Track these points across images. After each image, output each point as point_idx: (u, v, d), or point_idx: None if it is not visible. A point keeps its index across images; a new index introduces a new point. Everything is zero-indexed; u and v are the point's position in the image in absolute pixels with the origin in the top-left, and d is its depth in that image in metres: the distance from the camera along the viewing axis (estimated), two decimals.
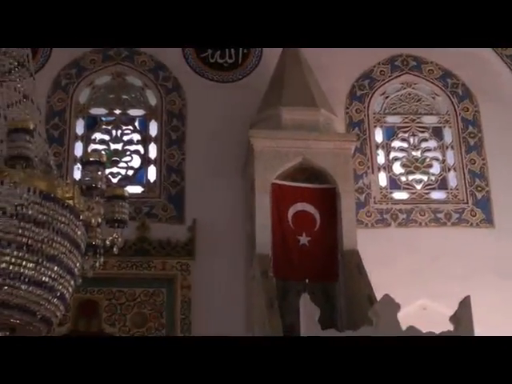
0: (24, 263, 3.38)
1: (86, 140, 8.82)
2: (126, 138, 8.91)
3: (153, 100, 9.01)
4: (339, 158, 8.09)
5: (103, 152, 8.35)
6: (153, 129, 8.94)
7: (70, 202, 3.56)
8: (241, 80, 9.14)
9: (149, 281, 8.04)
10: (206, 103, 8.83)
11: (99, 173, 3.55)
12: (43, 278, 3.46)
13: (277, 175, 7.97)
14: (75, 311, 7.37)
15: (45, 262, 3.45)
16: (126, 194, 3.95)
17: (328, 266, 7.79)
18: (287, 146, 7.95)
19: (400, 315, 5.65)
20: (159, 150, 8.78)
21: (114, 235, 3.81)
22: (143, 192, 8.58)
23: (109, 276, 7.36)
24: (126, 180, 8.61)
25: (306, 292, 6.02)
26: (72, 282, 3.70)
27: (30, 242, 3.39)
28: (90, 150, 8.72)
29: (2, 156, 3.34)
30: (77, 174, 8.45)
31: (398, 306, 5.63)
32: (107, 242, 3.84)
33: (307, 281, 7.12)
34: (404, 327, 5.52)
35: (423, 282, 7.98)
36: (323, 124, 8.28)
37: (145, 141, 8.90)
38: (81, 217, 3.65)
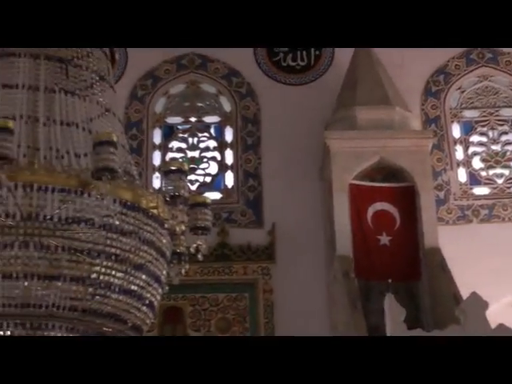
0: (113, 273, 3.44)
1: (164, 149, 8.95)
2: (202, 145, 9.01)
3: (227, 106, 9.08)
4: (417, 156, 8.00)
5: (180, 160, 8.45)
6: (228, 135, 9.01)
7: (155, 211, 3.61)
8: (314, 82, 9.13)
9: (231, 286, 8.11)
10: (279, 107, 8.85)
11: (181, 181, 3.60)
12: (132, 287, 3.52)
13: (354, 175, 7.94)
14: (160, 318, 7.48)
15: (133, 271, 3.51)
16: (208, 201, 3.99)
17: (410, 265, 7.72)
18: (364, 146, 7.91)
19: (487, 313, 5.55)
20: (235, 156, 8.85)
21: (198, 242, 3.85)
22: (221, 198, 8.66)
23: (191, 282, 7.44)
24: (205, 187, 8.71)
25: (389, 292, 5.97)
26: (159, 290, 3.76)
27: (117, 251, 3.45)
28: (167, 158, 8.87)
29: (88, 169, 3.42)
30: (156, 183, 8.61)
31: (486, 304, 5.52)
32: (191, 249, 3.88)
33: (390, 280, 7.05)
34: (493, 326, 5.42)
35: (509, 279, 7.80)
36: (399, 122, 8.21)
37: (221, 147, 8.98)
38: (165, 225, 3.70)
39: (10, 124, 3.22)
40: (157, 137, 9.01)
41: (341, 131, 8.07)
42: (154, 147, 8.93)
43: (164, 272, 3.78)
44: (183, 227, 3.75)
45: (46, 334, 3.43)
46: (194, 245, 3.84)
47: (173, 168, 3.65)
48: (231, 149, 8.93)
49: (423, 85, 9.10)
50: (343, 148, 7.93)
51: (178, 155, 8.92)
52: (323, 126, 8.28)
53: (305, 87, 9.10)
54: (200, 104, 9.14)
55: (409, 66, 8.81)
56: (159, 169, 8.79)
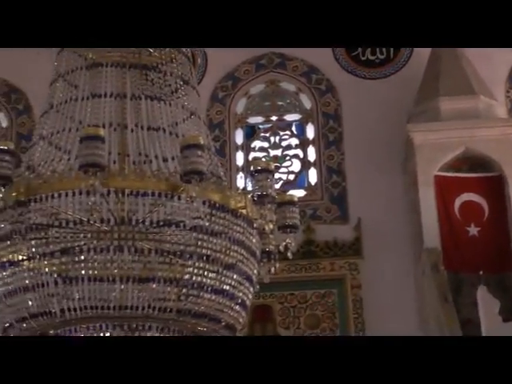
0: (205, 273, 3.49)
1: (246, 149, 9.02)
2: (284, 143, 9.05)
3: (308, 103, 9.09)
4: (504, 144, 7.85)
5: (263, 159, 8.50)
6: (310, 132, 9.02)
7: (243, 211, 3.65)
8: (393, 74, 9.05)
9: (318, 282, 8.12)
10: (360, 101, 8.80)
11: (269, 181, 3.63)
12: (224, 287, 3.57)
13: (439, 167, 7.84)
14: (250, 316, 7.53)
15: (224, 271, 3.55)
16: (296, 200, 4.00)
17: (501, 256, 7.57)
18: (448, 137, 7.80)
19: None
20: (318, 153, 8.85)
21: (287, 240, 3.87)
22: (305, 195, 8.67)
23: (279, 280, 7.45)
24: (288, 185, 8.74)
25: (481, 284, 5.88)
26: (251, 289, 3.80)
27: (208, 252, 3.51)
28: (250, 158, 8.94)
29: (177, 172, 3.49)
30: (240, 183, 8.69)
31: None
32: (281, 248, 3.90)
33: (481, 272, 6.94)
34: None
35: None
36: (484, 111, 8.06)
37: (303, 144, 9.00)
38: (254, 225, 3.74)
39: (101, 132, 3.30)
40: (239, 137, 9.09)
41: (424, 123, 7.98)
42: (237, 148, 9.01)
43: (255, 271, 3.81)
44: (272, 226, 3.78)
45: (142, 334, 3.52)
46: (284, 243, 3.86)
47: (260, 168, 3.69)
48: (313, 146, 8.93)
49: (507, 72, 8.90)
50: (427, 140, 7.84)
51: (261, 154, 8.97)
52: (405, 119, 8.20)
53: (385, 81, 9.03)
54: (280, 102, 9.18)
55: (491, 54, 8.63)
56: (243, 169, 8.87)
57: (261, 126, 9.20)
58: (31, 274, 3.43)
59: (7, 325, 3.60)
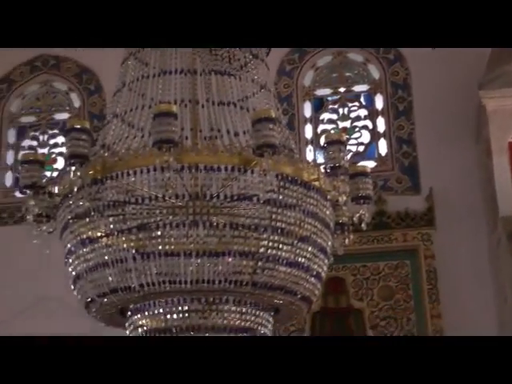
0: (280, 246, 3.52)
1: (315, 121, 8.98)
2: (353, 114, 8.97)
3: (376, 73, 8.97)
4: None
5: (332, 131, 8.46)
6: (379, 102, 8.91)
7: (316, 183, 3.65)
8: None
9: (391, 254, 8.06)
10: (429, 70, 8.64)
11: (341, 152, 3.61)
12: (299, 259, 3.59)
13: None
14: (323, 289, 7.53)
15: (299, 244, 3.57)
16: (369, 170, 3.98)
17: None
18: None
19: None
20: (387, 123, 8.74)
21: (361, 211, 3.85)
22: (376, 166, 8.59)
23: (351, 252, 7.41)
24: (358, 156, 8.67)
25: None
26: (326, 261, 3.81)
27: (282, 225, 3.53)
28: (319, 131, 8.90)
29: (249, 146, 3.50)
30: (309, 156, 8.66)
31: None
32: (354, 219, 3.89)
33: None
34: None
35: None
36: None
37: (372, 115, 8.90)
38: (328, 197, 3.74)
39: (174, 108, 3.34)
40: (307, 110, 9.04)
41: (497, 89, 7.78)
42: (305, 121, 8.97)
43: (329, 243, 3.82)
44: (345, 198, 3.77)
45: (220, 307, 3.57)
46: (357, 214, 3.85)
47: (332, 139, 3.67)
48: (382, 116, 8.83)
49: None
50: (500, 106, 7.65)
51: (330, 127, 8.92)
52: (477, 86, 8.02)
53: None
54: (348, 74, 9.09)
55: None
56: (312, 142, 8.84)
57: (329, 98, 9.13)
58: (110, 250, 3.51)
59: (89, 300, 3.70)
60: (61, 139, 9.13)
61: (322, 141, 3.73)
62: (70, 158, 3.38)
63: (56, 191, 3.71)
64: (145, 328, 3.67)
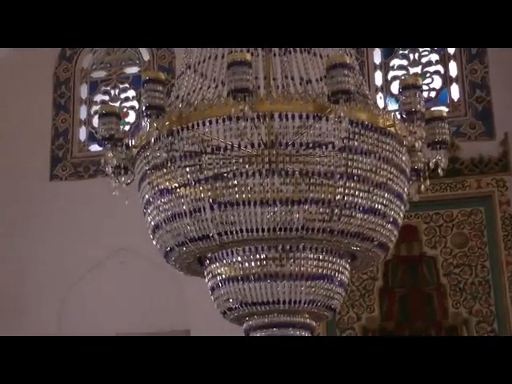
0: (356, 193, 3.51)
1: (385, 68, 8.85)
2: (424, 60, 8.80)
3: None
4: None
5: (403, 77, 8.32)
6: None
7: (392, 129, 3.61)
8: None
9: (465, 200, 7.95)
10: None
11: (417, 97, 3.55)
12: (376, 205, 3.58)
13: None
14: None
15: (375, 190, 3.56)
16: (445, 115, 3.92)
17: None
18: None
19: None
20: (460, 67, 8.55)
21: (438, 157, 3.80)
22: (448, 112, 8.40)
23: (424, 200, 7.34)
24: (430, 102, 8.51)
25: None
26: (402, 207, 3.79)
27: (358, 172, 3.51)
28: (389, 77, 8.77)
29: (323, 93, 3.48)
30: (380, 103, 8.55)
31: None
32: (431, 165, 3.84)
33: None
34: None
35: None
36: None
37: (444, 60, 8.71)
38: (403, 142, 3.70)
39: (248, 57, 3.33)
40: (377, 57, 8.91)
41: None
42: (375, 67, 8.86)
43: (405, 189, 3.79)
44: (421, 143, 3.72)
45: (296, 255, 3.60)
46: (434, 160, 3.80)
47: (407, 84, 3.62)
48: (454, 61, 8.64)
49: None
50: None
51: (400, 73, 8.78)
52: None
53: None
54: None
55: None
56: (382, 89, 8.73)
57: None
58: (187, 200, 3.56)
59: (168, 249, 3.77)
60: (131, 93, 9.23)
61: (397, 86, 3.65)
62: (147, 110, 3.42)
63: (133, 143, 3.76)
64: (223, 276, 3.73)
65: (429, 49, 8.78)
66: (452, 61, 8.65)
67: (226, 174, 3.48)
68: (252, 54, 3.71)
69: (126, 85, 9.33)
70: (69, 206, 8.54)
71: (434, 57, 8.77)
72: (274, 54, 3.85)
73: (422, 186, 4.00)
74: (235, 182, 3.47)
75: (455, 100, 8.52)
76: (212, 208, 3.50)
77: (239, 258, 3.65)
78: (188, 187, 3.55)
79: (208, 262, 3.81)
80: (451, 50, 8.66)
